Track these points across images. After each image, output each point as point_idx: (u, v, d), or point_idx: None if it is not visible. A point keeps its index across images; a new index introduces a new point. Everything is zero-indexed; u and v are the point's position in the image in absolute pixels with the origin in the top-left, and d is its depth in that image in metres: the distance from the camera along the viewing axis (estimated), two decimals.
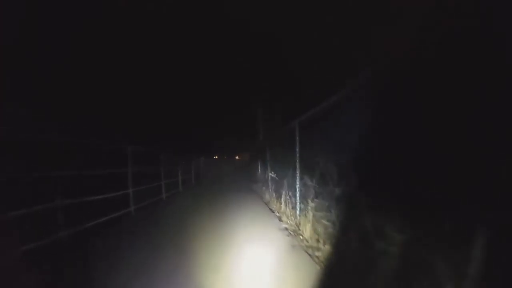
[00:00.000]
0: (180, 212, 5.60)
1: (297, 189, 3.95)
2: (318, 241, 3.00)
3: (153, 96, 19.16)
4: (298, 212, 3.93)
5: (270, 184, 6.70)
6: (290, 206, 4.47)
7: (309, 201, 3.44)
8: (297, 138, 4.02)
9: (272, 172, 6.02)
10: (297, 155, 3.97)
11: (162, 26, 15.57)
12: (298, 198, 3.94)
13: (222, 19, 14.69)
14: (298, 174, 3.94)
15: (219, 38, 16.96)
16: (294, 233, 3.59)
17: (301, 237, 3.40)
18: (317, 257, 2.71)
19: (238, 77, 18.48)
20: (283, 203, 5.06)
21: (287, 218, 4.37)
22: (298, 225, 3.78)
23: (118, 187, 4.94)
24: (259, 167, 9.60)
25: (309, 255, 2.84)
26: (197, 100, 23.14)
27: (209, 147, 28.69)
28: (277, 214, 5.00)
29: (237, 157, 37.50)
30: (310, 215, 3.33)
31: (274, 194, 6.24)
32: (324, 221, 3.00)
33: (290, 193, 4.52)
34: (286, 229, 3.84)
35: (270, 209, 5.70)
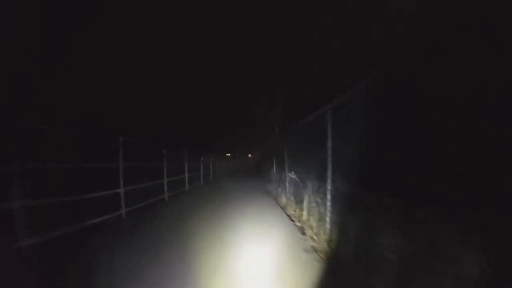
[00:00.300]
0: (183, 217, 4.76)
1: (328, 196, 2.99)
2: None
3: (161, 93, 19.05)
4: (329, 226, 2.97)
5: (287, 185, 5.76)
6: (316, 216, 3.51)
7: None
8: (328, 130, 3.06)
9: (292, 172, 5.07)
10: (329, 151, 3.01)
11: (164, 26, 15.39)
12: (329, 207, 2.99)
13: (227, 20, 14.33)
14: (329, 176, 2.99)
15: (229, 39, 16.73)
16: (326, 255, 2.65)
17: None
18: None
19: (251, 75, 18.00)
20: (305, 210, 4.11)
21: (312, 231, 3.42)
22: (329, 243, 2.82)
23: (106, 186, 4.14)
24: (274, 165, 8.67)
25: None
26: (209, 98, 22.70)
27: (220, 145, 28.07)
28: (298, 223, 4.06)
29: (249, 155, 36.71)
30: (350, 234, 2.37)
31: (292, 198, 5.30)
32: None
33: (316, 199, 3.57)
34: (314, 249, 2.89)
35: (288, 215, 4.77)
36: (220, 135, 27.37)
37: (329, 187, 2.99)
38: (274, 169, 8.66)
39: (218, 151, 25.37)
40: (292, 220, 4.32)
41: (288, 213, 4.90)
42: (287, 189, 5.79)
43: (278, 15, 12.20)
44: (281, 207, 5.62)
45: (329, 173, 2.99)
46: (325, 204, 3.12)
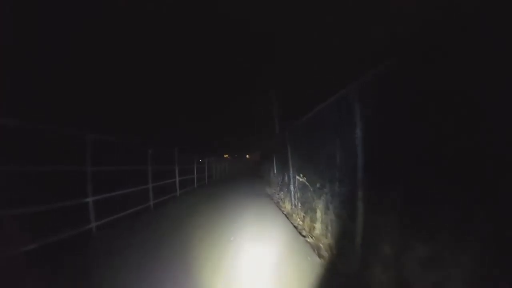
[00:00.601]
0: (169, 229, 3.88)
1: (360, 208, 2.13)
2: None
3: (160, 93, 18.94)
4: (360, 250, 2.11)
5: (292, 189, 4.90)
6: (337, 232, 2.65)
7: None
8: (357, 116, 2.20)
9: (301, 175, 4.19)
10: (359, 143, 2.15)
11: (164, 26, 15.20)
12: (361, 222, 2.12)
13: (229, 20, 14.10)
14: (360, 178, 2.12)
15: (229, 39, 16.60)
16: None
17: None
18: None
19: (250, 75, 17.69)
20: (319, 223, 3.25)
21: (332, 253, 2.56)
22: (364, 275, 1.96)
23: (71, 194, 3.26)
24: (275, 166, 7.82)
25: None
26: (206, 96, 22.19)
27: (219, 145, 27.40)
28: (310, 239, 3.20)
29: (247, 156, 35.88)
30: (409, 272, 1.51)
31: (299, 204, 4.45)
32: None
33: (337, 211, 2.70)
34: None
35: (295, 226, 3.92)
36: (220, 135, 26.85)
37: (360, 193, 2.13)
38: (275, 170, 7.81)
39: (216, 151, 24.72)
40: (302, 235, 3.45)
41: (295, 224, 4.05)
42: (292, 193, 4.93)
43: (278, 15, 12.14)
44: (285, 215, 4.76)
45: (360, 174, 2.13)
46: (352, 217, 2.26)
